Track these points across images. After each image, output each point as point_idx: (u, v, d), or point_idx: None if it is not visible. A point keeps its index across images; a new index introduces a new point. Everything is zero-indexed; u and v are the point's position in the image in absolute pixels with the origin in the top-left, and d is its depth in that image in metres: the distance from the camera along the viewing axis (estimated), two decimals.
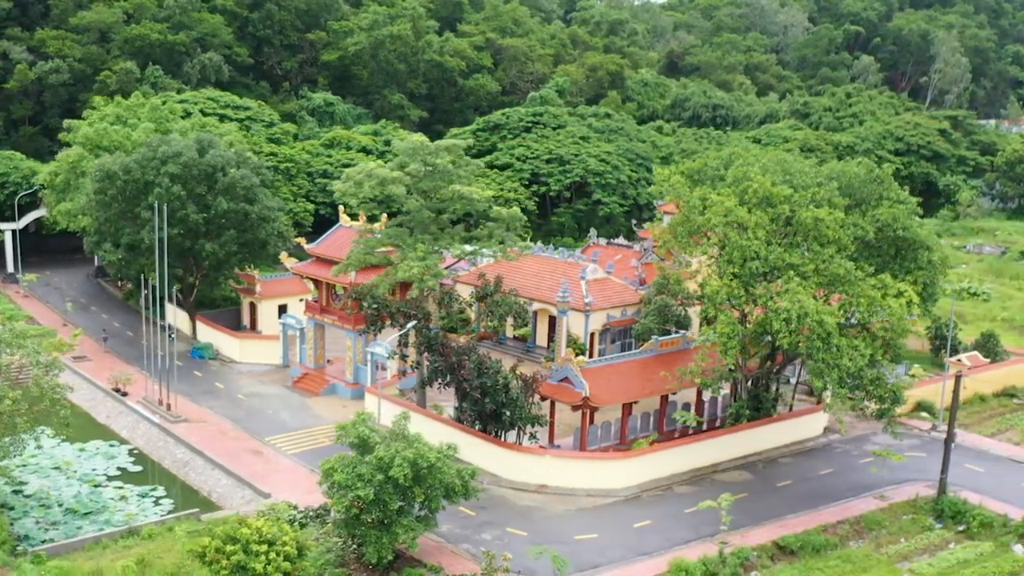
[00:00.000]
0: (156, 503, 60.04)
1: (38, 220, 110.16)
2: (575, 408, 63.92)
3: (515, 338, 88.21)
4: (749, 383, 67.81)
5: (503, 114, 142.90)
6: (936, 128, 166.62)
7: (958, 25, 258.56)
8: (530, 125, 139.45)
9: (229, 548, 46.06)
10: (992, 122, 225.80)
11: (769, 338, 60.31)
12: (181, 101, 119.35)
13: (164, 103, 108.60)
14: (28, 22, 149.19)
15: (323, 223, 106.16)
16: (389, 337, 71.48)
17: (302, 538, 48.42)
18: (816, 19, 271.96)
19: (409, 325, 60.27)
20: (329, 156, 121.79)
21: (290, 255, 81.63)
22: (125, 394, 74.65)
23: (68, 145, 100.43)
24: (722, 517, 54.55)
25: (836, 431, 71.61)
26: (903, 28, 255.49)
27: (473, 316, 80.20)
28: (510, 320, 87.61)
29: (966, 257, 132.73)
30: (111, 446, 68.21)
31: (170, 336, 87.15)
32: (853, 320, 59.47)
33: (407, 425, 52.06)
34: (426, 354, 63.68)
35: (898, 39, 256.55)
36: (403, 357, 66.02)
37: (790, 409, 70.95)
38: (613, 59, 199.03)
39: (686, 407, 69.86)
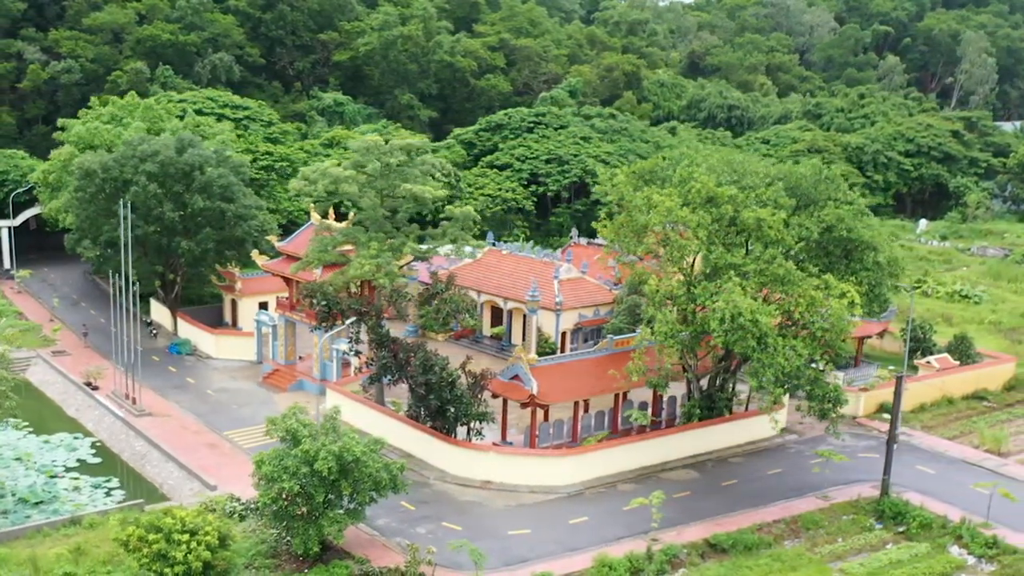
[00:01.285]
0: (108, 494, 61.39)
1: (39, 218, 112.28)
2: (523, 405, 64.60)
3: (492, 337, 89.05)
4: (703, 382, 68.17)
5: (505, 114, 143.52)
6: (949, 130, 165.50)
7: (991, 25, 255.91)
8: (532, 125, 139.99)
9: (152, 537, 47.11)
10: (1019, 123, 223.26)
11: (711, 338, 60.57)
12: (180, 101, 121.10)
13: (158, 103, 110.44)
14: (43, 23, 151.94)
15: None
16: (337, 332, 72.56)
17: (225, 528, 49.33)
18: (845, 19, 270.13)
19: (348, 322, 61.30)
20: (328, 156, 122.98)
21: (261, 253, 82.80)
22: (96, 388, 76.24)
23: (63, 144, 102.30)
24: (653, 514, 55.15)
25: (794, 431, 71.87)
26: (933, 28, 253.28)
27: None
28: (486, 318, 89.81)
29: (968, 259, 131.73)
30: (75, 438, 69.77)
31: (152, 333, 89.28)
32: (797, 321, 59.62)
33: (339, 419, 53.13)
34: (375, 350, 64.66)
35: (929, 39, 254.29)
36: (357, 353, 67.05)
37: (746, 408, 71.20)
38: (629, 59, 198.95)
39: (643, 406, 70.54)
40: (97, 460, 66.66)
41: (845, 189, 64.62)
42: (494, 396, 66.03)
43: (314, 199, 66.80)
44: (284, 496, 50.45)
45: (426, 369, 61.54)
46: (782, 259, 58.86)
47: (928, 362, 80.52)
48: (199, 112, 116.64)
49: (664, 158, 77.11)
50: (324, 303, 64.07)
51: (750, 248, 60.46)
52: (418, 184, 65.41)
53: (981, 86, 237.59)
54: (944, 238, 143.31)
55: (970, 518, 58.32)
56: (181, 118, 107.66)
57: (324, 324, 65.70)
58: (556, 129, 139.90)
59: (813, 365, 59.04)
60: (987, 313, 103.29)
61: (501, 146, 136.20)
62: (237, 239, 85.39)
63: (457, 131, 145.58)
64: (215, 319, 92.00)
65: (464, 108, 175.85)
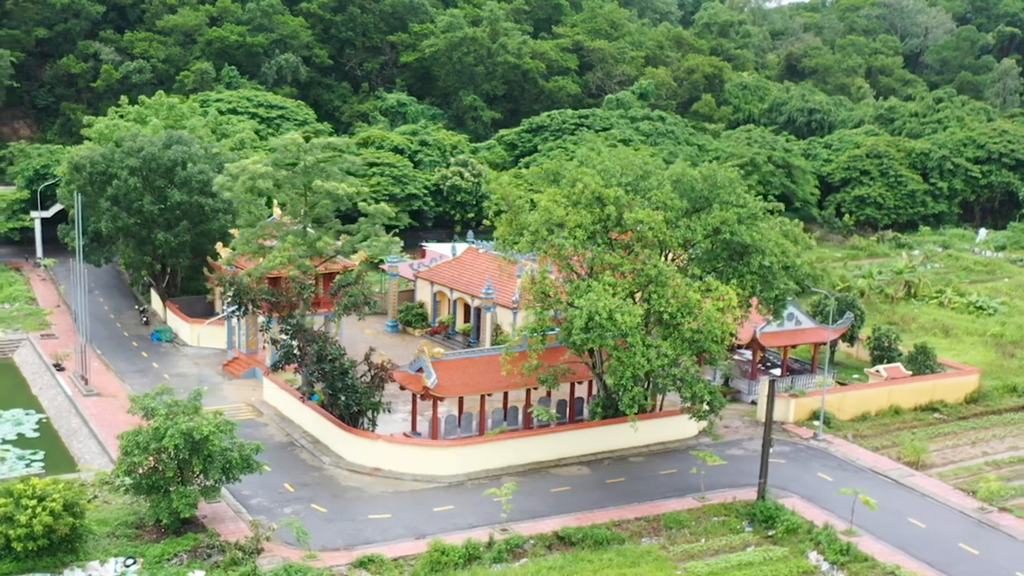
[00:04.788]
0: (28, 465, 65.74)
1: None
2: (422, 397, 66.59)
3: (462, 333, 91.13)
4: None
5: (548, 116, 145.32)
6: None
7: None
8: (574, 127, 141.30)
9: (2, 500, 51.16)
10: None
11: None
12: (217, 100, 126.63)
13: (181, 102, 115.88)
14: (124, 25, 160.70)
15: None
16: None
17: (74, 497, 52.58)
18: (970, 19, 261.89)
19: (229, 311, 64.43)
20: (359, 155, 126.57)
21: (225, 246, 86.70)
22: (62, 369, 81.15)
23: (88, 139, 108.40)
24: (503, 506, 56.64)
25: (710, 434, 71.91)
26: None
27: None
28: (459, 315, 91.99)
29: (1016, 270, 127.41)
30: (26, 414, 74.57)
31: (144, 320, 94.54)
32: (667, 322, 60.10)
33: (200, 401, 56.52)
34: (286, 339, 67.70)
35: None
36: (274, 343, 70.23)
37: (660, 408, 71.50)
38: (711, 61, 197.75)
39: (561, 403, 71.84)
40: (36, 435, 71.32)
41: (741, 193, 64.52)
42: (402, 388, 68.43)
43: (234, 194, 70.14)
44: (136, 470, 53.97)
45: (320, 358, 64.16)
46: (656, 260, 59.50)
47: (877, 371, 79.25)
48: (233, 111, 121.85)
49: (569, 158, 77.82)
50: (234, 292, 67.42)
51: (632, 248, 61.16)
52: (331, 181, 68.02)
53: None
54: (1001, 248, 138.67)
55: (838, 525, 57.92)
56: (204, 116, 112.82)
57: (236, 313, 69.02)
58: (598, 131, 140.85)
59: (681, 366, 59.18)
60: (993, 325, 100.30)
61: (540, 147, 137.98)
62: (217, 232, 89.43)
63: (501, 132, 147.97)
64: (208, 309, 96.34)
65: (532, 110, 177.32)
